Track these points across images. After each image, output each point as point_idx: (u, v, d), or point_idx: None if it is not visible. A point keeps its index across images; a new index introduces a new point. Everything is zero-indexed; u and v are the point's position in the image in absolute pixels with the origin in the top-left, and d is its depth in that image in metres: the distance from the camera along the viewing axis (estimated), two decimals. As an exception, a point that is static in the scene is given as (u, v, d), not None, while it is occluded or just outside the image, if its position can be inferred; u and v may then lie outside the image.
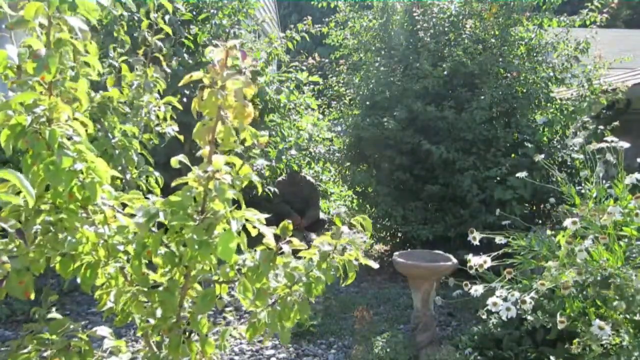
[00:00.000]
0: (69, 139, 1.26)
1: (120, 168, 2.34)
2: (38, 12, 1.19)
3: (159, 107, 2.54)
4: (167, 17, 2.75)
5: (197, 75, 1.32)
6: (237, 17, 6.14)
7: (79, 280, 1.51)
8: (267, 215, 1.40)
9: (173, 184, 1.36)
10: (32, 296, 1.22)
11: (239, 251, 1.35)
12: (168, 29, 2.62)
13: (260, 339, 3.84)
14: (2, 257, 0.96)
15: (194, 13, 5.78)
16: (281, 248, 1.46)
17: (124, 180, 2.37)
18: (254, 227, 1.37)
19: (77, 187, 1.28)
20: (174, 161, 1.36)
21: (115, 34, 2.64)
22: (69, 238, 1.28)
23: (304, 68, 6.97)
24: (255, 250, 1.50)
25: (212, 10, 5.88)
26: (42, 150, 1.20)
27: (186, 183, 1.36)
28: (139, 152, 2.44)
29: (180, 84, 1.41)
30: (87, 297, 4.73)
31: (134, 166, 2.41)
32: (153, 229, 1.36)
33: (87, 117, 2.16)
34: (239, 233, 1.30)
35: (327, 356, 3.68)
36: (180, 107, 2.59)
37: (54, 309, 1.75)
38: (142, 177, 2.50)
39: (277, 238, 1.48)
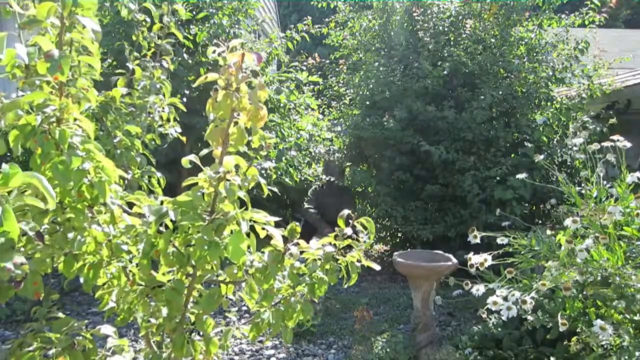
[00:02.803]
0: (77, 137, 1.26)
1: (122, 168, 2.34)
2: (50, 12, 1.19)
3: (163, 109, 2.55)
4: (166, 17, 2.76)
5: (212, 76, 1.32)
6: (236, 17, 6.13)
7: (81, 279, 1.51)
8: (276, 219, 1.41)
9: (183, 184, 1.36)
10: (42, 296, 1.22)
11: (246, 251, 1.35)
12: (179, 34, 2.64)
13: (261, 339, 3.85)
14: (19, 258, 0.96)
15: (194, 13, 5.78)
16: (289, 249, 1.46)
17: (126, 181, 2.37)
18: (263, 228, 1.37)
19: (85, 186, 1.28)
20: (185, 161, 1.36)
21: (134, 38, 2.67)
22: (79, 237, 1.28)
23: (304, 68, 6.97)
24: (263, 252, 1.50)
25: (211, 10, 5.88)
26: (52, 150, 1.20)
27: (196, 183, 1.36)
28: (141, 152, 2.45)
29: (196, 84, 1.42)
30: (88, 297, 4.73)
31: (137, 166, 2.41)
32: (161, 228, 1.36)
33: (88, 116, 2.17)
34: (247, 234, 1.31)
35: (327, 356, 3.68)
36: (184, 108, 2.60)
37: (54, 308, 1.75)
38: (144, 178, 2.50)
39: (285, 239, 1.48)
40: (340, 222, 1.57)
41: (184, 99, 5.34)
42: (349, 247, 1.63)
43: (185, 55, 5.61)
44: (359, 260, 1.60)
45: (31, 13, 1.22)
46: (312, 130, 7.23)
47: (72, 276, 1.45)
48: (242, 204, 1.43)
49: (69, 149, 1.20)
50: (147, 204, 1.35)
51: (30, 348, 1.45)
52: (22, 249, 1.25)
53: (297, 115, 6.98)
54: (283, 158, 6.15)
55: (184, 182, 1.36)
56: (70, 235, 1.31)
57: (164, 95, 2.58)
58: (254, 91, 1.29)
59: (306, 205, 6.45)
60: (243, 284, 1.51)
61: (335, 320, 4.34)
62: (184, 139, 2.77)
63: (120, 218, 1.41)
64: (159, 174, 2.57)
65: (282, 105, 6.40)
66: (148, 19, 2.66)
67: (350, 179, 6.18)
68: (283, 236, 1.46)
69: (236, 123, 1.34)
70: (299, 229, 1.48)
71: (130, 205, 1.49)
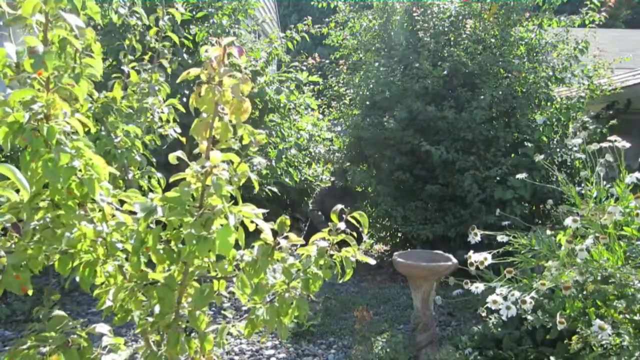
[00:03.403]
0: (67, 135, 1.26)
1: (122, 168, 2.35)
2: (35, 9, 1.19)
3: (162, 110, 2.56)
4: (166, 18, 2.77)
5: (194, 71, 1.32)
6: (236, 17, 6.14)
7: (78, 279, 1.51)
8: (264, 210, 1.41)
9: (171, 180, 1.36)
10: (30, 292, 1.22)
11: (237, 246, 1.35)
12: (175, 37, 2.65)
13: (260, 338, 3.85)
14: (-1, 251, 0.96)
15: (193, 13, 5.78)
16: (279, 243, 1.46)
17: (125, 180, 2.38)
18: (252, 222, 1.37)
19: (75, 183, 1.28)
20: (172, 157, 1.37)
21: (127, 42, 2.68)
22: (67, 234, 1.28)
23: (304, 68, 6.97)
24: (253, 247, 1.50)
25: (210, 10, 5.88)
26: (40, 147, 1.20)
27: (184, 179, 1.36)
28: (141, 152, 2.46)
29: (178, 80, 1.42)
30: (87, 297, 4.73)
31: (137, 167, 2.42)
32: (152, 225, 1.36)
33: (89, 116, 2.18)
34: (236, 228, 1.30)
35: (327, 356, 3.68)
36: (182, 109, 2.61)
37: (55, 308, 1.75)
38: (144, 177, 2.51)
39: (275, 233, 1.48)
40: (334, 217, 1.57)
41: (184, 99, 5.35)
42: (346, 244, 1.62)
43: (185, 56, 5.61)
44: (353, 256, 1.59)
45: (18, 12, 1.23)
46: (312, 130, 7.23)
47: (67, 274, 1.45)
48: (234, 201, 1.43)
49: (57, 145, 1.20)
50: (138, 201, 1.34)
51: (24, 347, 1.45)
52: (14, 245, 1.25)
53: (297, 115, 6.98)
54: (283, 158, 6.14)
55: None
56: (60, 232, 1.31)
57: (163, 98, 2.60)
58: (237, 84, 1.29)
59: (311, 207, 6.47)
60: (235, 279, 1.50)
61: (335, 320, 4.33)
62: (183, 139, 2.78)
63: (111, 215, 1.40)
64: (159, 174, 2.58)
65: (282, 105, 6.40)
66: (140, 22, 2.67)
67: (351, 179, 6.19)
68: (273, 230, 1.46)
69: (221, 118, 1.34)
70: (288, 222, 1.48)
71: (123, 203, 1.49)
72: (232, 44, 1.31)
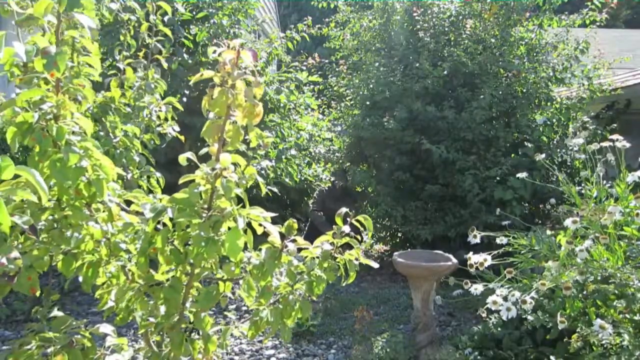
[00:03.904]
0: (75, 135, 1.26)
1: (122, 168, 2.35)
2: (47, 9, 1.19)
3: (160, 108, 2.55)
4: (166, 18, 2.76)
5: (207, 74, 1.32)
6: (236, 17, 6.14)
7: (80, 279, 1.51)
8: (272, 214, 1.41)
9: (180, 181, 1.36)
10: (38, 293, 1.22)
11: (244, 249, 1.35)
12: (167, 31, 2.64)
13: (260, 338, 3.85)
14: (13, 253, 0.96)
15: (194, 13, 5.78)
16: (286, 246, 1.46)
17: (125, 180, 2.38)
18: (260, 225, 1.37)
19: (83, 184, 1.28)
20: (182, 158, 1.37)
21: (121, 38, 2.66)
22: (75, 234, 1.28)
23: (304, 68, 6.97)
24: (260, 249, 1.50)
25: (211, 10, 5.88)
26: (49, 147, 1.20)
27: (193, 180, 1.36)
28: (140, 152, 2.45)
29: (192, 82, 1.42)
30: (88, 297, 4.73)
31: (136, 166, 2.42)
32: (158, 226, 1.36)
33: (88, 116, 2.18)
34: (245, 231, 1.31)
35: (327, 356, 3.68)
36: (180, 107, 2.59)
37: (54, 308, 1.75)
38: (143, 177, 2.51)
39: (282, 236, 1.48)
40: (338, 220, 1.57)
41: (184, 99, 5.34)
42: (349, 246, 1.63)
43: (185, 55, 5.61)
44: (357, 259, 1.60)
45: (29, 11, 1.22)
46: (312, 130, 7.23)
47: (70, 275, 1.45)
48: (241, 203, 1.43)
49: (66, 146, 1.20)
50: (145, 201, 1.34)
51: (29, 347, 1.45)
52: (20, 246, 1.25)
53: (297, 115, 6.98)
54: (283, 158, 6.14)
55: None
56: (68, 233, 1.31)
57: (160, 95, 2.58)
58: (250, 88, 1.29)
59: (311, 207, 6.48)
60: (241, 281, 1.51)
61: (335, 320, 4.34)
62: (182, 138, 2.77)
63: (118, 216, 1.41)
64: (158, 174, 2.57)
65: (282, 105, 6.41)
66: (133, 18, 2.65)
67: (351, 179, 6.20)
68: (280, 233, 1.46)
69: (231, 120, 1.34)
70: (295, 225, 1.48)
71: (129, 203, 1.49)
72: (242, 46, 1.31)
